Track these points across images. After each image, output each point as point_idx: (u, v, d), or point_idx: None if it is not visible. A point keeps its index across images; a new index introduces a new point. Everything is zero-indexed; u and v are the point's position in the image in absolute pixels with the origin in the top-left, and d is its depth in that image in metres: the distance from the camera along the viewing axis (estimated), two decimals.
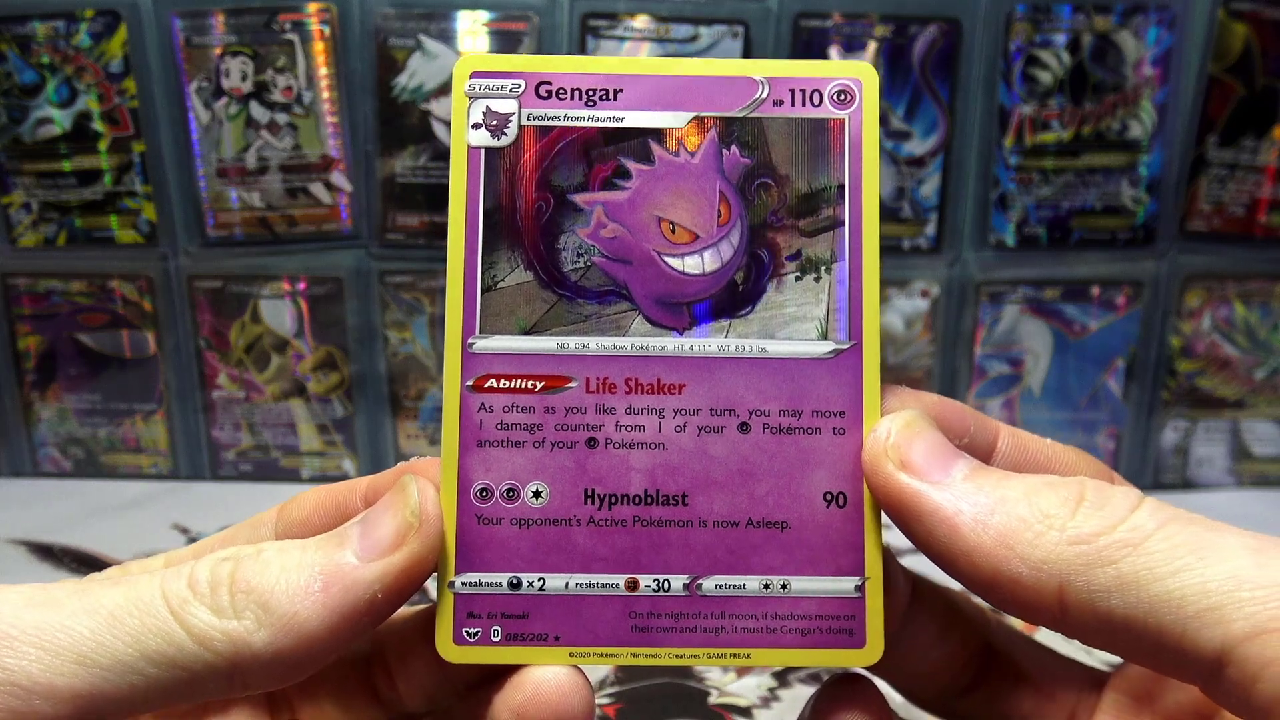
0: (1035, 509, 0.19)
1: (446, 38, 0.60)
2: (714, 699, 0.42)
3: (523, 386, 0.24)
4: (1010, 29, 0.60)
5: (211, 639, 0.19)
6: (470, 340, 0.24)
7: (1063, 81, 0.61)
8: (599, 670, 0.44)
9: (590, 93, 0.24)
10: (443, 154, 0.61)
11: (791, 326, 0.24)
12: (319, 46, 0.60)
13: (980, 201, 0.63)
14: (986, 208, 0.63)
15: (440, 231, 0.62)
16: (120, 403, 0.65)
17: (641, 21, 0.60)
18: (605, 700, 0.41)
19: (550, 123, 0.24)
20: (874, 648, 0.23)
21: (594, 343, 0.24)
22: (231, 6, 0.59)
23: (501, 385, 0.24)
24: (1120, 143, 0.62)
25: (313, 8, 0.59)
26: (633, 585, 0.23)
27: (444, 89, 0.61)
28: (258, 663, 0.19)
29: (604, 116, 0.24)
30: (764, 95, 0.24)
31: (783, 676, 0.44)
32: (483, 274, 0.24)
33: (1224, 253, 0.63)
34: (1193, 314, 0.64)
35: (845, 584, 0.23)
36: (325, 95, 0.61)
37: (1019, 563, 0.18)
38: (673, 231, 0.24)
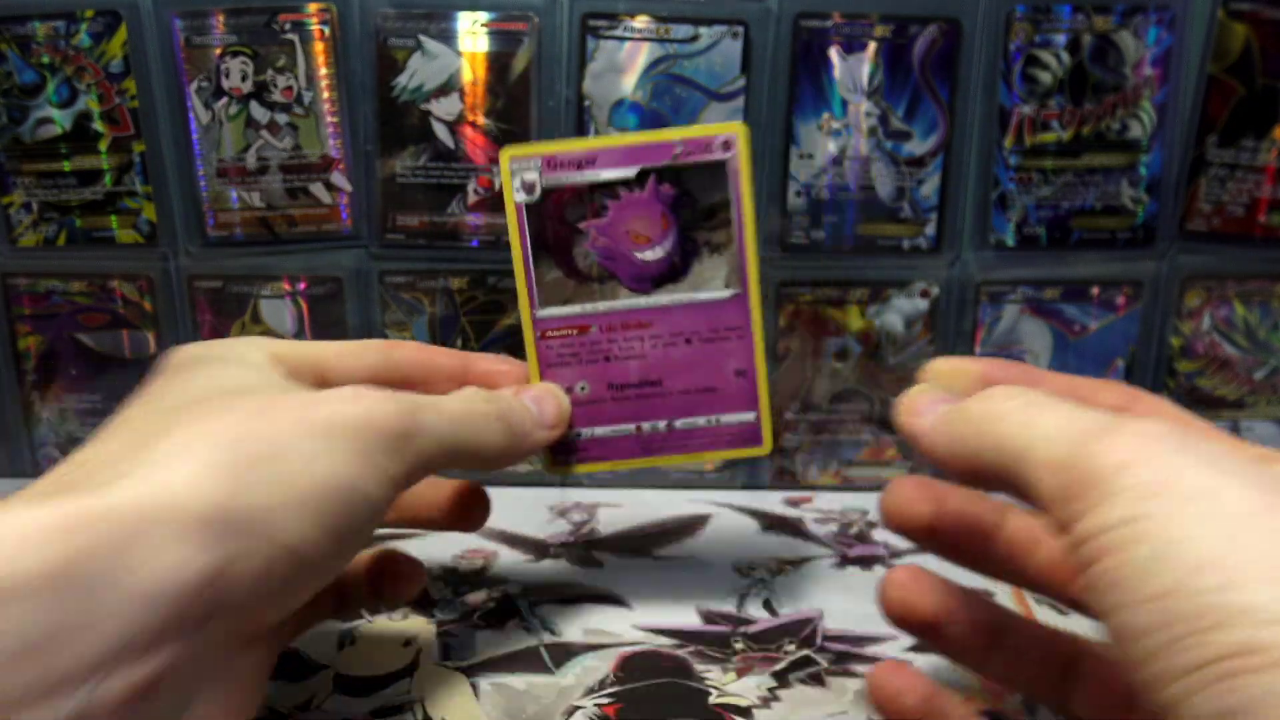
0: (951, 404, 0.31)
1: (446, 38, 0.60)
2: (714, 699, 0.42)
3: (566, 333, 0.42)
4: (1010, 29, 0.60)
5: (509, 441, 0.37)
6: (535, 311, 0.42)
7: (1063, 81, 0.61)
8: (599, 670, 0.44)
9: (578, 162, 0.41)
10: (442, 154, 0.61)
11: (709, 283, 0.42)
12: (319, 46, 0.60)
13: (980, 201, 0.63)
14: (986, 208, 0.63)
15: (440, 232, 0.62)
16: (121, 403, 0.65)
17: (641, 21, 0.60)
18: (605, 700, 0.42)
19: (559, 183, 0.41)
20: (767, 444, 0.44)
21: (602, 306, 0.42)
22: (231, 6, 0.59)
23: (555, 334, 0.42)
24: (1120, 143, 0.62)
25: (313, 8, 0.60)
26: (639, 428, 0.43)
27: (444, 89, 0.61)
28: (507, 460, 0.37)
29: (589, 176, 0.41)
30: (680, 151, 0.41)
31: (783, 676, 0.44)
32: (535, 273, 0.42)
33: (1224, 253, 0.63)
34: (1192, 314, 0.64)
35: (748, 416, 0.43)
36: (325, 95, 0.61)
37: (937, 439, 0.30)
38: (636, 238, 0.42)
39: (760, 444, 0.43)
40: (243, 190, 0.62)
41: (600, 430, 0.43)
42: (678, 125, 0.61)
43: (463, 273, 0.63)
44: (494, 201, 0.62)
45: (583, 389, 0.42)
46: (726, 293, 0.41)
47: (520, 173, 0.40)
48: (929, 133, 0.62)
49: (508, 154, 0.40)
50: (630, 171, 0.40)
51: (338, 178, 0.62)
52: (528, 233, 0.41)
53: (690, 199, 0.41)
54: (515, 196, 0.40)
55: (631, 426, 0.42)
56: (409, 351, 0.38)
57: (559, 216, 0.41)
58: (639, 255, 0.41)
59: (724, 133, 0.40)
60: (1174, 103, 0.61)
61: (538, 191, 0.40)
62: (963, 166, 0.62)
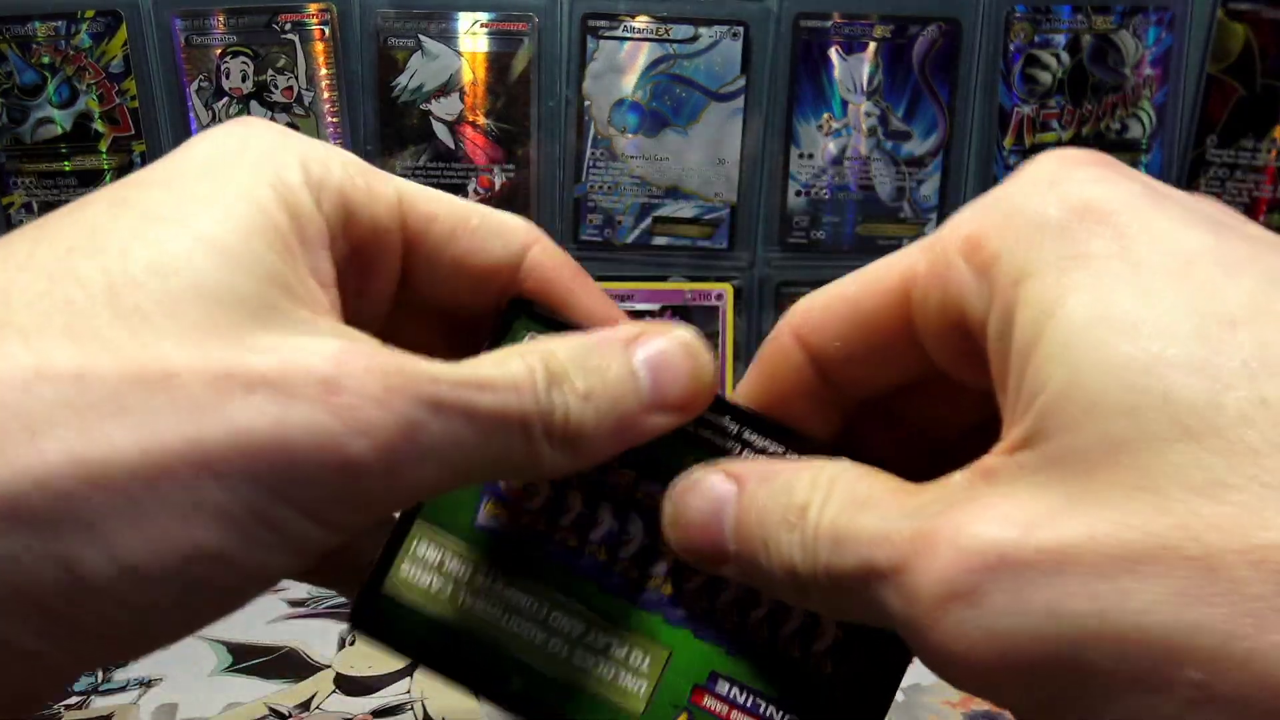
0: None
1: (446, 38, 0.60)
2: None
3: None
4: (1010, 29, 0.60)
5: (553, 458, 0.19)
6: None
7: (1062, 82, 0.61)
8: None
9: (623, 296, 0.54)
10: (442, 154, 0.61)
11: None
12: (319, 47, 0.60)
13: None
14: None
15: None
16: None
17: (641, 21, 0.60)
18: None
19: None
20: None
21: None
22: (231, 7, 0.59)
23: None
24: (1120, 143, 0.62)
25: (313, 8, 0.60)
26: None
27: (444, 89, 0.61)
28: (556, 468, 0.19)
29: (627, 305, 0.52)
30: (689, 297, 0.60)
31: None
32: None
33: None
34: None
35: None
36: (325, 95, 0.61)
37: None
38: None
39: None
40: None
41: None
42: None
43: None
44: (494, 202, 0.62)
45: None
46: None
47: None
48: (929, 133, 0.62)
49: None
50: (655, 306, 0.59)
51: None
52: None
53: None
54: None
55: None
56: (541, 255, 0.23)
57: None
58: None
59: (719, 289, 0.60)
60: (1174, 103, 0.61)
61: None
62: (962, 166, 0.62)
